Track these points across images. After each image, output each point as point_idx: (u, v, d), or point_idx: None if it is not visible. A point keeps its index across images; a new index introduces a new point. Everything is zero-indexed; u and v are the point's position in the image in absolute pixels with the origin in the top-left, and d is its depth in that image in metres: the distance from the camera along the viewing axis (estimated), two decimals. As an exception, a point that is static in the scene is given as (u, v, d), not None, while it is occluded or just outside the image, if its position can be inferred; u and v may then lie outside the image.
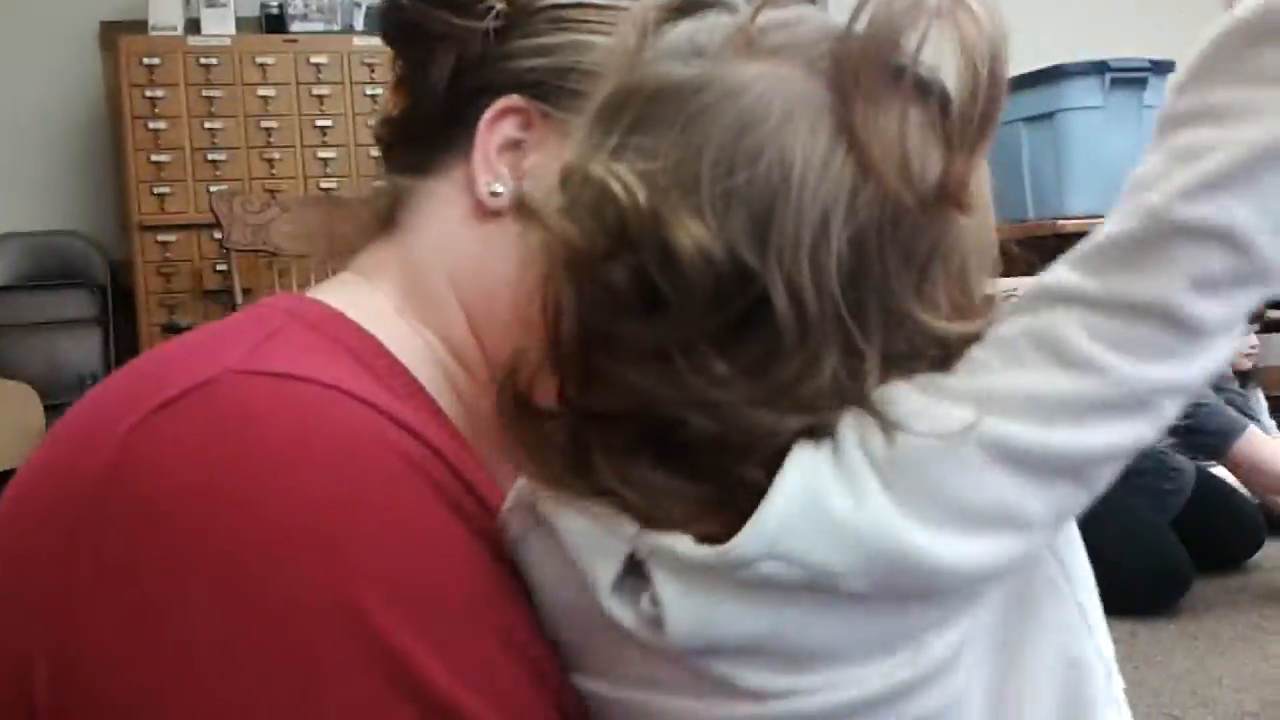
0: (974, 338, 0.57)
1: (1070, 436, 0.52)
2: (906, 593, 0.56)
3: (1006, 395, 0.53)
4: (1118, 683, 0.63)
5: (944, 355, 0.57)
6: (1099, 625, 0.63)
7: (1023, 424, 0.53)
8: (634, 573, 0.56)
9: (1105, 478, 0.55)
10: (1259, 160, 0.50)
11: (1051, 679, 0.60)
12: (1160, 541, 2.30)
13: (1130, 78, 3.40)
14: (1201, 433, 2.34)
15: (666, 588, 0.56)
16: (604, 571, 0.56)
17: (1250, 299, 0.52)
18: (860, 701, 0.57)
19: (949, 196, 0.56)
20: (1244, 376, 3.12)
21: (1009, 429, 0.52)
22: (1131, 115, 3.36)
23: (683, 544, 0.55)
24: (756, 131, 0.55)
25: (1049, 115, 3.43)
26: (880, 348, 0.56)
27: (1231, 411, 2.40)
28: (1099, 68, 3.39)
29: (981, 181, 0.59)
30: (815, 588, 0.55)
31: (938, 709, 0.58)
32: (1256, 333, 3.48)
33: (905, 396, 0.54)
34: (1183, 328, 0.51)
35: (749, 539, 0.54)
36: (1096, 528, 2.29)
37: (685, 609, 0.56)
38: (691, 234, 0.53)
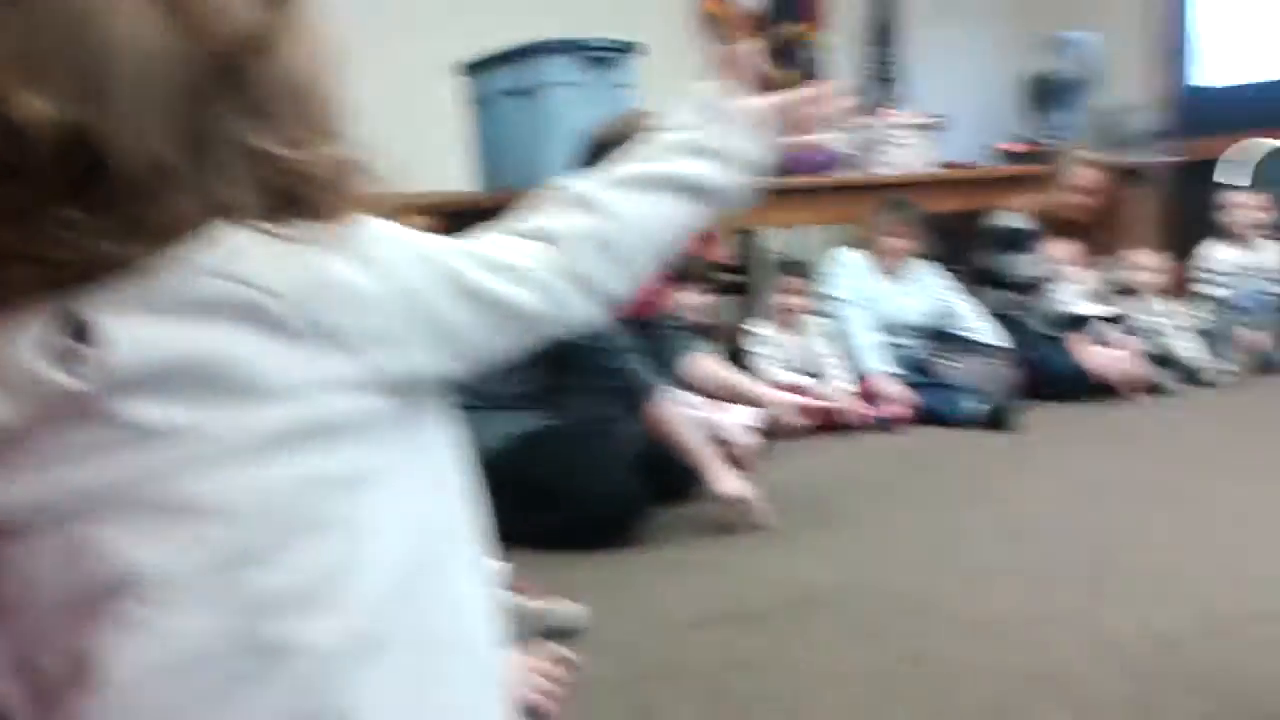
0: (317, 165, 0.72)
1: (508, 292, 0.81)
2: (330, 332, 0.70)
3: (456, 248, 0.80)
4: (486, 560, 0.85)
5: (290, 184, 0.71)
6: (465, 497, 0.84)
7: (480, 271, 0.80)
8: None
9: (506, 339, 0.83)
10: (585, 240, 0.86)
11: (415, 513, 0.77)
12: (619, 474, 2.56)
13: (603, 57, 3.70)
14: (620, 387, 2.62)
15: (105, 319, 0.66)
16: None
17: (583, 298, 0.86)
18: (265, 436, 0.69)
19: (262, 43, 0.69)
20: (701, 331, 3.51)
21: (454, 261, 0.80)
22: (605, 92, 3.66)
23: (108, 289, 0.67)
24: (82, 5, 0.64)
25: (530, 90, 3.64)
26: (231, 182, 0.69)
27: (650, 371, 2.69)
28: (575, 46, 3.65)
29: (304, 30, 0.73)
30: (253, 313, 0.68)
31: (341, 474, 0.72)
32: (710, 293, 3.95)
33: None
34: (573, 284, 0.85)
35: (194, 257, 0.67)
36: (562, 462, 2.50)
37: (123, 333, 0.67)
38: (31, 108, 0.62)
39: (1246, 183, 5.00)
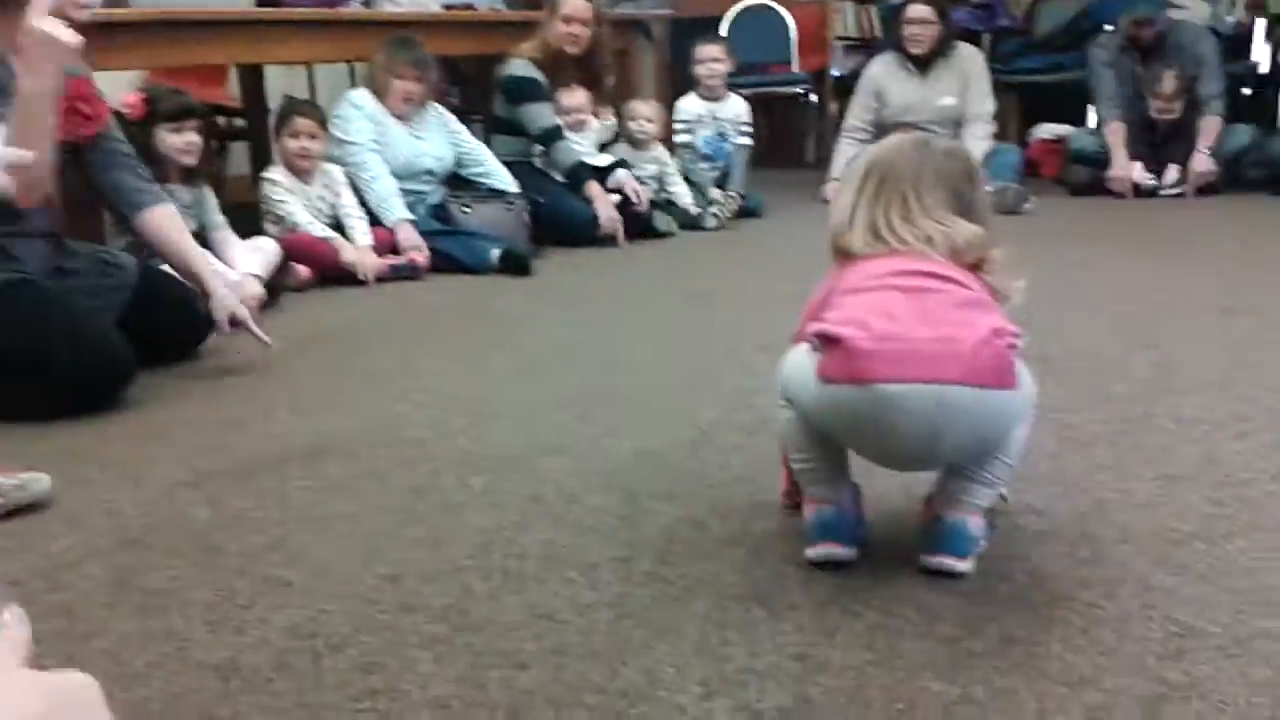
0: None
1: None
2: None
3: None
4: None
5: None
6: None
7: None
8: None
9: None
10: None
11: None
12: (101, 336, 2.31)
13: None
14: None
15: None
16: None
17: None
18: None
19: None
20: (189, 173, 3.23)
21: None
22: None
23: None
24: None
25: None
26: None
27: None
28: None
29: None
30: None
31: None
32: (210, 137, 3.63)
33: None
34: None
35: None
36: (40, 326, 2.24)
37: None
38: None
39: (717, 37, 5.34)
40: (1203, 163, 4.99)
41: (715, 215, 4.60)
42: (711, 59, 4.94)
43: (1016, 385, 1.39)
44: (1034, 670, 1.25)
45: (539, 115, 4.35)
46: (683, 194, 4.67)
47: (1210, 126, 5.01)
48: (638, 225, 4.37)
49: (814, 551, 1.51)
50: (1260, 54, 5.92)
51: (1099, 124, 5.28)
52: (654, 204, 4.54)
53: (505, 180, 4.20)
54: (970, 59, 5.11)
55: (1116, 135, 5.10)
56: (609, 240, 4.24)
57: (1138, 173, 5.06)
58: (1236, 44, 5.52)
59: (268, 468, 1.97)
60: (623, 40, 5.77)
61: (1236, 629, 1.33)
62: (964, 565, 1.48)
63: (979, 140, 4.84)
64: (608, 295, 3.42)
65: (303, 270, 3.56)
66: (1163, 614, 1.37)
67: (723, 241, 4.36)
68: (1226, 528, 1.61)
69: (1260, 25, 5.78)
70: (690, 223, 4.57)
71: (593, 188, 4.31)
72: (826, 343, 1.39)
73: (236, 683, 1.27)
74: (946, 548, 1.48)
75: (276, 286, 3.33)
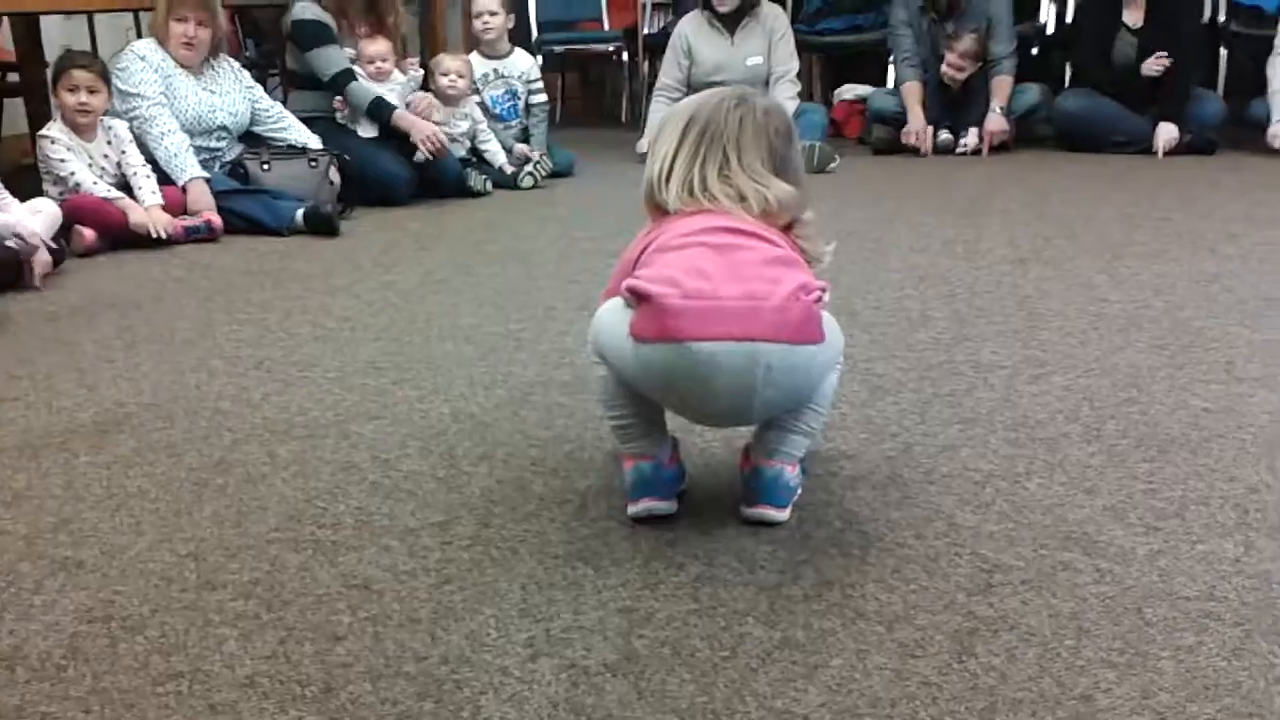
0: None
1: None
2: None
3: None
4: None
5: None
6: None
7: None
8: None
9: None
10: None
11: None
12: None
13: None
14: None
15: None
16: None
17: None
18: None
19: None
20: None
21: None
22: None
23: None
24: None
25: None
26: None
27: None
28: None
29: None
30: None
31: None
32: None
33: None
34: None
35: None
36: None
37: None
38: None
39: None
40: (996, 122, 5.22)
41: (531, 174, 4.54)
42: (487, 11, 4.76)
43: (823, 339, 1.41)
44: (851, 611, 1.28)
45: (330, 59, 4.16)
46: (496, 152, 4.58)
47: (1002, 86, 5.24)
48: (451, 185, 4.27)
49: (635, 508, 1.51)
50: (1047, 15, 6.22)
51: (896, 83, 5.45)
52: (466, 162, 4.45)
53: (305, 136, 4.03)
54: (775, 18, 5.18)
55: (912, 94, 5.27)
56: (423, 197, 4.13)
57: (934, 133, 5.25)
58: (1024, 5, 5.77)
59: (52, 444, 1.83)
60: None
61: (1039, 563, 1.39)
62: (782, 515, 1.50)
63: (788, 100, 4.92)
64: (421, 257, 3.33)
65: (87, 234, 3.33)
66: (970, 551, 1.42)
67: (539, 201, 4.31)
68: (1025, 467, 1.69)
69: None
70: (505, 182, 4.49)
71: (400, 117, 4.17)
72: (639, 300, 1.38)
73: (23, 671, 1.18)
74: (765, 498, 1.49)
75: (60, 252, 3.11)
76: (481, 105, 4.69)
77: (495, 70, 4.78)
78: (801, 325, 1.37)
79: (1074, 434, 1.82)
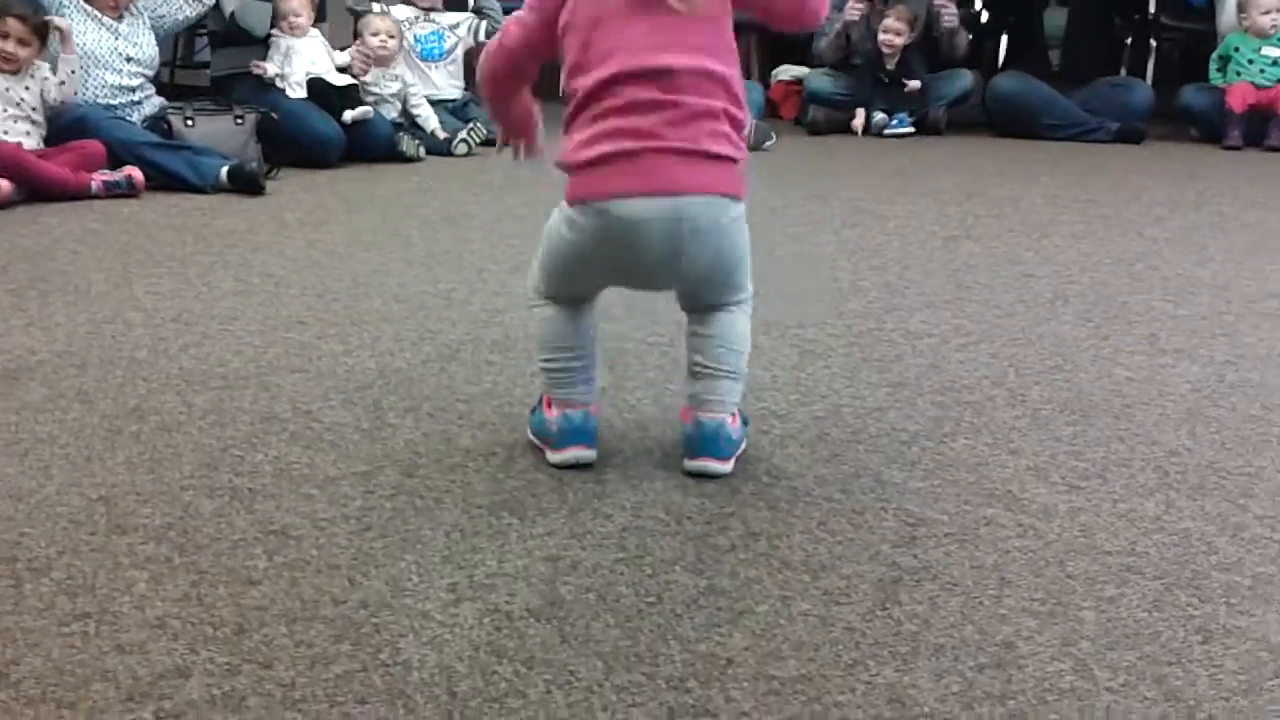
0: None
1: None
2: None
3: None
4: None
5: None
6: None
7: None
8: None
9: None
10: None
11: None
12: None
13: None
14: None
15: None
16: None
17: None
18: None
19: None
20: None
21: None
22: None
23: None
24: None
25: None
26: None
27: None
28: None
29: None
30: None
31: None
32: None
33: None
34: None
35: None
36: None
37: None
38: None
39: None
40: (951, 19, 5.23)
41: (465, 141, 4.48)
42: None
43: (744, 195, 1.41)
44: (776, 560, 1.27)
45: (254, 19, 4.10)
46: (428, 117, 4.51)
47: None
48: (382, 148, 4.20)
49: (561, 455, 1.49)
50: (979, 2, 6.28)
51: (817, 54, 5.45)
52: (398, 126, 4.37)
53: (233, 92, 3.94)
54: None
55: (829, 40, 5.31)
56: (350, 159, 4.06)
57: (866, 115, 5.27)
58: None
59: (-43, 389, 1.76)
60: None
61: (962, 518, 1.39)
62: (726, 467, 1.48)
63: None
64: (350, 217, 3.27)
65: (3, 184, 3.22)
66: (895, 506, 1.42)
67: (472, 168, 4.25)
68: (951, 428, 1.70)
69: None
70: (437, 148, 4.43)
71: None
72: (573, 168, 1.39)
73: (-83, 614, 1.13)
74: (708, 450, 1.48)
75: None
76: (408, 53, 4.62)
77: (424, 16, 4.72)
78: (729, 180, 1.38)
79: (999, 398, 1.83)
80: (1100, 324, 2.27)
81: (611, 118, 1.36)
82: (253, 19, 4.09)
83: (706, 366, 1.47)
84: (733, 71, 1.39)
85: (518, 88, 1.56)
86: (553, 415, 1.50)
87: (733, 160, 1.38)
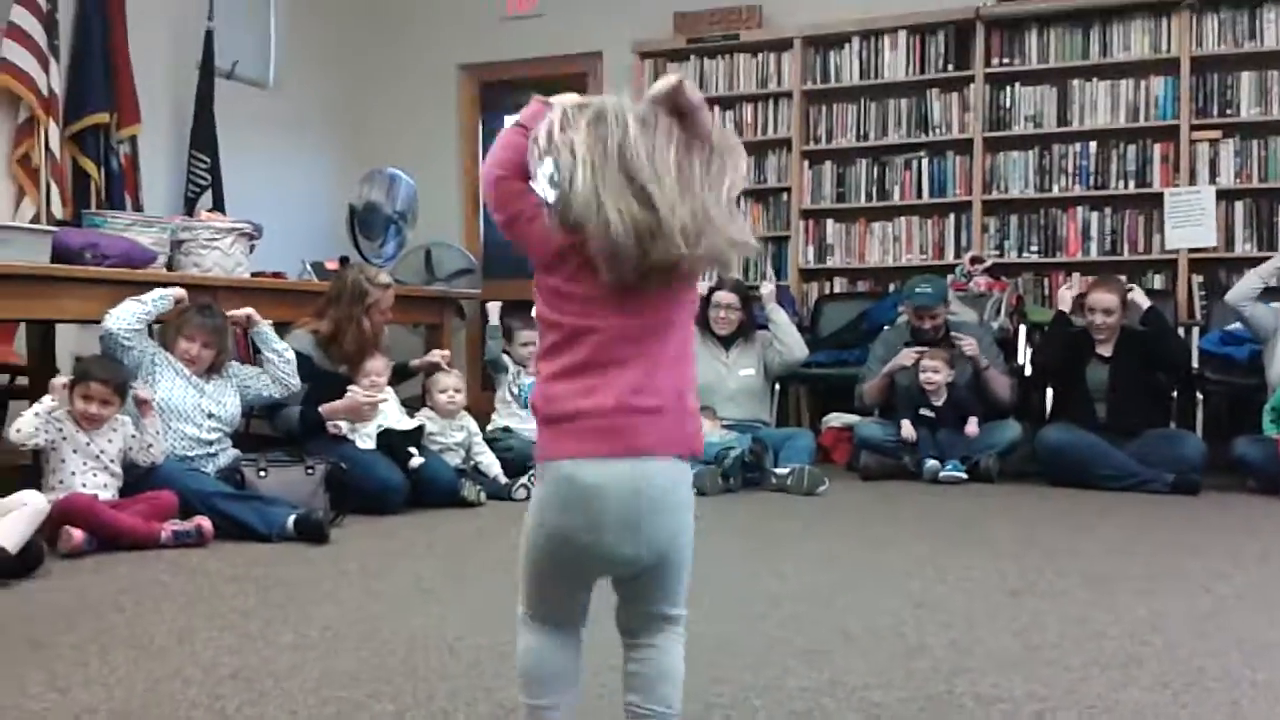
0: None
1: None
2: None
3: None
4: None
5: None
6: None
7: None
8: None
9: None
10: None
11: None
12: None
13: None
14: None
15: None
16: None
17: None
18: None
19: None
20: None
21: None
22: None
23: None
24: None
25: None
26: None
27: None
28: None
29: None
30: None
31: None
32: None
33: None
34: None
35: None
36: None
37: None
38: None
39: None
40: (971, 347, 5.43)
41: (525, 487, 4.58)
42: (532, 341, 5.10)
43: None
44: None
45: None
46: (490, 463, 4.64)
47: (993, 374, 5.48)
48: (444, 494, 4.30)
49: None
50: (1024, 357, 6.48)
51: (860, 395, 5.66)
52: (461, 472, 4.50)
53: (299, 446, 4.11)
54: (763, 340, 5.63)
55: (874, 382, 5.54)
56: (419, 505, 4.16)
57: (919, 462, 5.34)
58: (1003, 347, 6.02)
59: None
60: (437, 314, 5.90)
61: None
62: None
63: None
64: (410, 564, 3.30)
65: (76, 534, 3.31)
66: None
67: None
68: (1033, 808, 1.61)
69: (1023, 331, 6.34)
70: (499, 493, 4.52)
71: (327, 408, 4.29)
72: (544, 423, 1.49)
73: None
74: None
75: (37, 555, 3.06)
76: (515, 395, 4.94)
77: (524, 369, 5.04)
78: (689, 438, 1.50)
79: (1081, 774, 1.74)
80: (1178, 691, 2.19)
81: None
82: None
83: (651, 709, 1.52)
84: None
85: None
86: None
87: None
